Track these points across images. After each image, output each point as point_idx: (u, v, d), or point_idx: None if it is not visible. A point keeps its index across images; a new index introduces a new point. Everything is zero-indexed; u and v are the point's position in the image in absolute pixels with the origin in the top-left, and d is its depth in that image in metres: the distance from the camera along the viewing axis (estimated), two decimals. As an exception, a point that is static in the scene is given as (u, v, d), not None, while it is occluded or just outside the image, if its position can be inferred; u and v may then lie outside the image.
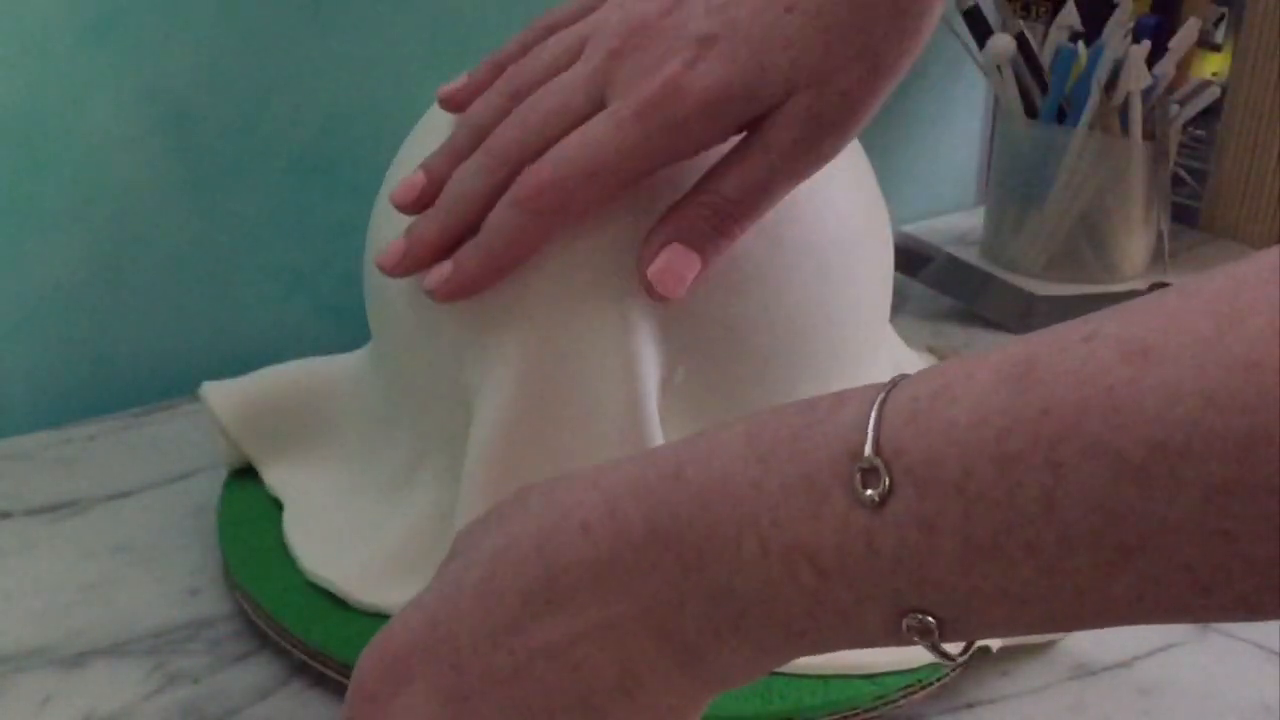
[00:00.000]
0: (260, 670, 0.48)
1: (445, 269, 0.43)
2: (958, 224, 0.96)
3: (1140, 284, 0.81)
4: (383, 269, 0.44)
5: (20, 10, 0.60)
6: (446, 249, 0.43)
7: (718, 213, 0.42)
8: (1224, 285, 0.25)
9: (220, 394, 0.55)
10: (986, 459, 0.26)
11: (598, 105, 0.41)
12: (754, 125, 0.41)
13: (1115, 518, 0.25)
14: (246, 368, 0.57)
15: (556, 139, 0.41)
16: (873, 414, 0.28)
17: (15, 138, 0.62)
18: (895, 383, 0.29)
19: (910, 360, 0.57)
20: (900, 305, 0.79)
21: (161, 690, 0.47)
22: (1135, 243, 0.86)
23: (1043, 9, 0.91)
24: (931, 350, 0.72)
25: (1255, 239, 0.92)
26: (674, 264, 0.42)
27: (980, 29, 0.85)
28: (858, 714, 0.45)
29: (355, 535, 0.50)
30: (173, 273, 0.68)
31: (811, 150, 0.41)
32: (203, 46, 0.66)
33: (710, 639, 0.31)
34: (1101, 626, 0.27)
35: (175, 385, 0.67)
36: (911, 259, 0.83)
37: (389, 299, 0.50)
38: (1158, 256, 0.87)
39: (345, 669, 0.46)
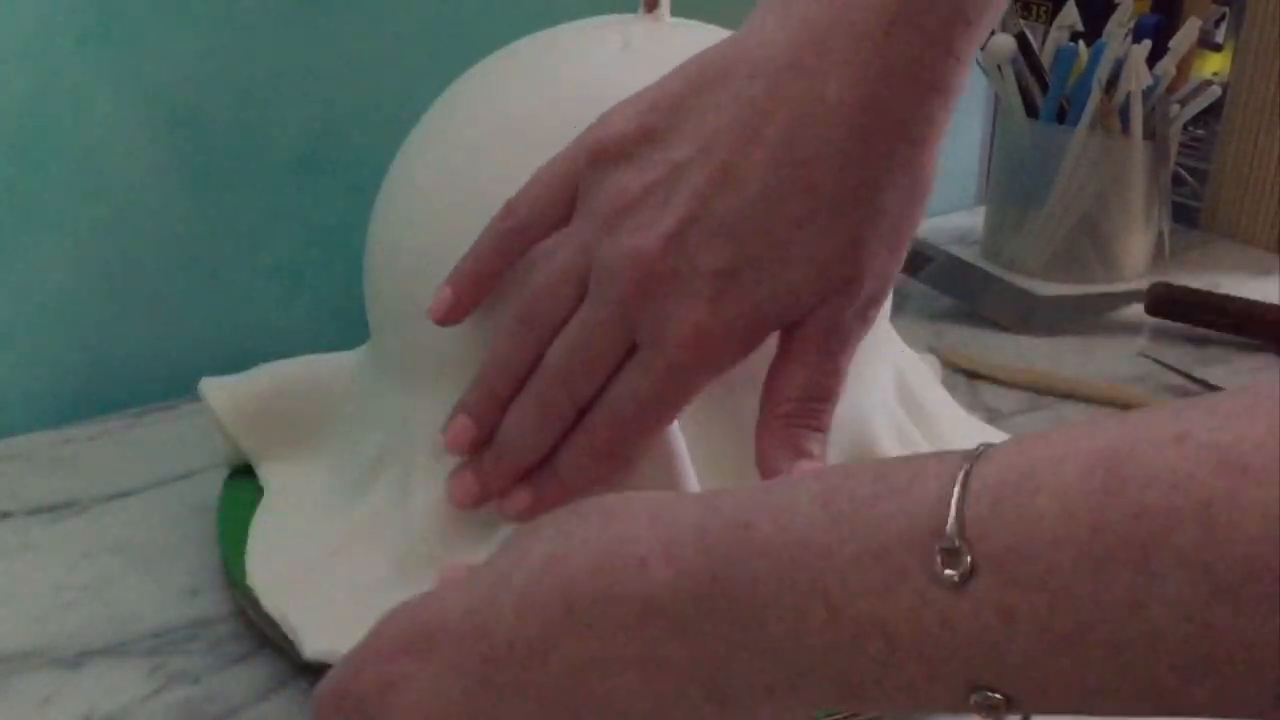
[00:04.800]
0: (260, 670, 0.48)
1: (526, 498, 0.44)
2: (958, 224, 0.96)
3: (1140, 284, 0.81)
4: (458, 504, 0.45)
5: (20, 11, 0.60)
6: (515, 483, 0.44)
7: (802, 415, 0.42)
8: None
9: (219, 391, 0.55)
10: (1074, 556, 0.27)
11: (627, 347, 0.41)
12: (793, 325, 0.41)
13: (1203, 630, 0.25)
14: (246, 368, 0.57)
15: (598, 387, 0.42)
16: (955, 491, 0.28)
17: (15, 138, 0.62)
18: (977, 455, 0.29)
19: (911, 361, 0.57)
20: (901, 305, 0.79)
21: (161, 690, 0.47)
22: (1136, 242, 0.86)
23: (1043, 8, 0.91)
24: (932, 350, 0.72)
25: (1256, 239, 0.92)
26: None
27: (981, 29, 0.84)
28: (857, 714, 0.45)
29: (300, 537, 0.50)
30: (173, 273, 0.68)
31: (862, 325, 0.42)
32: (202, 47, 0.66)
33: (761, 693, 0.31)
34: (1178, 716, 0.28)
35: (175, 385, 0.67)
36: (912, 259, 0.83)
37: (389, 299, 0.50)
38: (1158, 256, 0.87)
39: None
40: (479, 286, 0.44)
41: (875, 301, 0.42)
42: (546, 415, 0.43)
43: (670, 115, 0.41)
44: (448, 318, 0.45)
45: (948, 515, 0.28)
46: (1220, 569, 0.25)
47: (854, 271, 0.40)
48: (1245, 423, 0.26)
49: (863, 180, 0.40)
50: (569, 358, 0.42)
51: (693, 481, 0.44)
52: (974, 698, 0.29)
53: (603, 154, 0.42)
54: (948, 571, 0.28)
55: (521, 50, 0.52)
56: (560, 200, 0.43)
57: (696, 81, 0.41)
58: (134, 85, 0.64)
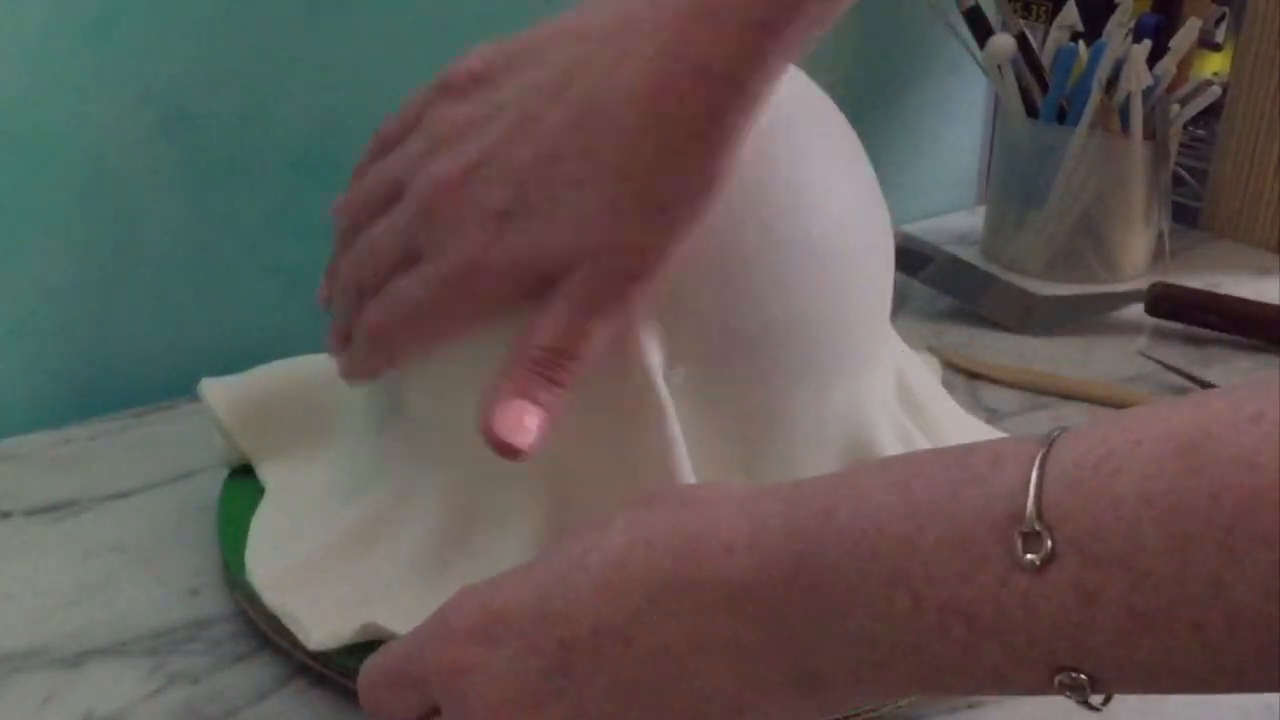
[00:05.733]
0: (260, 670, 0.48)
1: (344, 361, 0.49)
2: (958, 224, 0.96)
3: (1141, 284, 0.81)
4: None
5: (20, 10, 0.60)
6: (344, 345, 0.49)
7: (542, 365, 0.43)
8: None
9: (219, 391, 0.55)
10: (1156, 537, 0.27)
11: (413, 253, 0.45)
12: (557, 280, 0.43)
13: None
14: (246, 368, 0.57)
15: (385, 278, 0.46)
16: (1033, 476, 0.29)
17: (15, 138, 0.62)
18: (1053, 440, 0.30)
19: (911, 361, 0.57)
20: (901, 305, 0.79)
21: (161, 690, 0.47)
22: (1136, 242, 0.86)
23: (1043, 9, 0.91)
24: (932, 350, 0.72)
25: (1255, 239, 0.92)
26: (515, 418, 0.43)
27: (981, 29, 0.85)
28: (858, 714, 0.45)
29: (301, 535, 0.50)
30: (173, 273, 0.68)
31: (619, 298, 0.43)
32: (202, 46, 0.66)
33: (848, 680, 0.32)
34: (1257, 692, 0.28)
35: (175, 385, 0.67)
36: (912, 259, 0.83)
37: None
38: (1158, 256, 0.87)
39: (345, 670, 0.46)
40: (354, 186, 0.49)
41: (634, 277, 0.43)
42: (346, 294, 0.48)
43: (508, 62, 0.45)
44: (338, 212, 0.49)
45: (1027, 500, 0.29)
46: None
47: (609, 240, 0.42)
48: None
49: (638, 159, 0.41)
50: (364, 252, 0.46)
51: (687, 471, 0.45)
52: (1058, 679, 0.29)
53: (448, 85, 0.46)
54: (1029, 555, 0.28)
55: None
56: (414, 121, 0.47)
57: (539, 37, 0.45)
58: (134, 85, 0.64)
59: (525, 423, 0.43)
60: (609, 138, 0.41)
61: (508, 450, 0.42)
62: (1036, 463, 0.29)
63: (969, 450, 0.31)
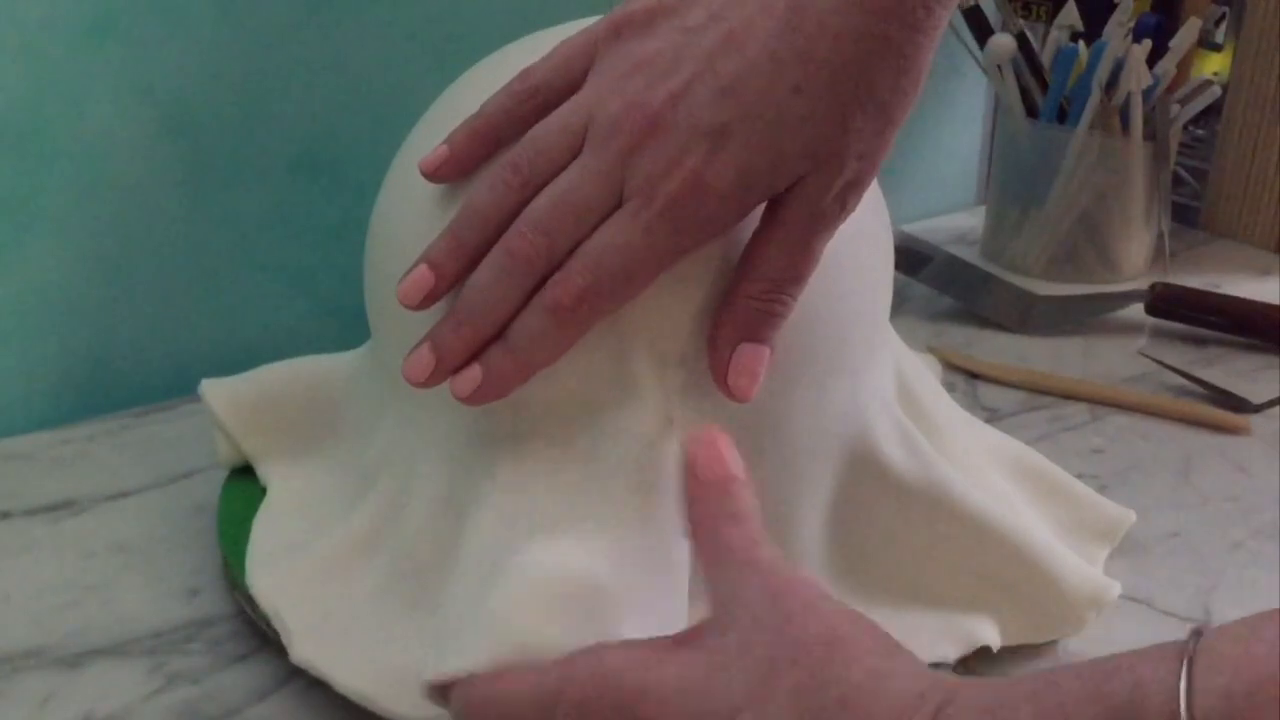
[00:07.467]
0: (260, 670, 0.48)
1: (475, 375, 0.42)
2: (958, 224, 0.96)
3: (1140, 284, 0.81)
4: (411, 382, 0.43)
5: (20, 11, 0.60)
6: (474, 356, 0.42)
7: (770, 296, 0.42)
8: None
9: (219, 391, 0.55)
10: None
11: (614, 202, 0.41)
12: (778, 197, 0.42)
13: None
14: (246, 368, 0.57)
15: (578, 242, 0.41)
16: (1183, 711, 0.27)
17: (15, 138, 0.62)
18: (1192, 654, 0.28)
19: (911, 361, 0.57)
20: (900, 305, 0.79)
21: (161, 690, 0.47)
22: (1135, 242, 0.86)
23: (1043, 9, 0.91)
24: (932, 350, 0.72)
25: (1255, 239, 0.92)
26: (748, 364, 0.42)
27: (981, 29, 0.85)
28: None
29: (300, 541, 0.50)
30: (173, 273, 0.68)
31: (841, 210, 0.42)
32: (202, 47, 0.66)
33: None
34: None
35: (175, 385, 0.67)
36: (912, 259, 0.83)
37: (389, 299, 0.50)
38: (1158, 256, 0.87)
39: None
40: (477, 143, 0.44)
41: (855, 185, 0.42)
42: (516, 266, 0.41)
43: None
44: (438, 173, 0.44)
45: None
46: None
47: (839, 146, 0.41)
48: None
49: (856, 56, 0.40)
50: (554, 205, 0.41)
51: (683, 592, 0.43)
52: None
53: (624, 23, 0.43)
54: None
55: (521, 50, 0.52)
56: (576, 68, 0.43)
57: None
58: (134, 85, 0.64)
59: (757, 370, 0.42)
60: (825, 39, 0.40)
61: (745, 398, 0.42)
62: (1183, 698, 0.27)
63: (1104, 668, 0.29)
